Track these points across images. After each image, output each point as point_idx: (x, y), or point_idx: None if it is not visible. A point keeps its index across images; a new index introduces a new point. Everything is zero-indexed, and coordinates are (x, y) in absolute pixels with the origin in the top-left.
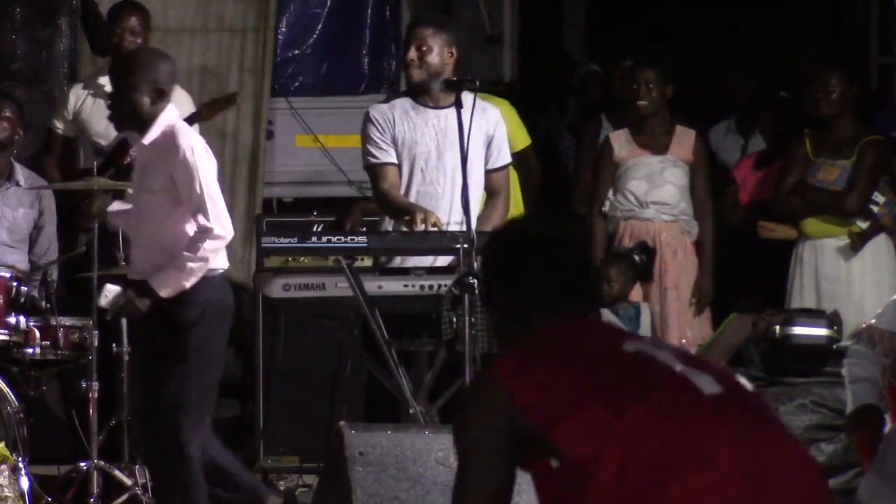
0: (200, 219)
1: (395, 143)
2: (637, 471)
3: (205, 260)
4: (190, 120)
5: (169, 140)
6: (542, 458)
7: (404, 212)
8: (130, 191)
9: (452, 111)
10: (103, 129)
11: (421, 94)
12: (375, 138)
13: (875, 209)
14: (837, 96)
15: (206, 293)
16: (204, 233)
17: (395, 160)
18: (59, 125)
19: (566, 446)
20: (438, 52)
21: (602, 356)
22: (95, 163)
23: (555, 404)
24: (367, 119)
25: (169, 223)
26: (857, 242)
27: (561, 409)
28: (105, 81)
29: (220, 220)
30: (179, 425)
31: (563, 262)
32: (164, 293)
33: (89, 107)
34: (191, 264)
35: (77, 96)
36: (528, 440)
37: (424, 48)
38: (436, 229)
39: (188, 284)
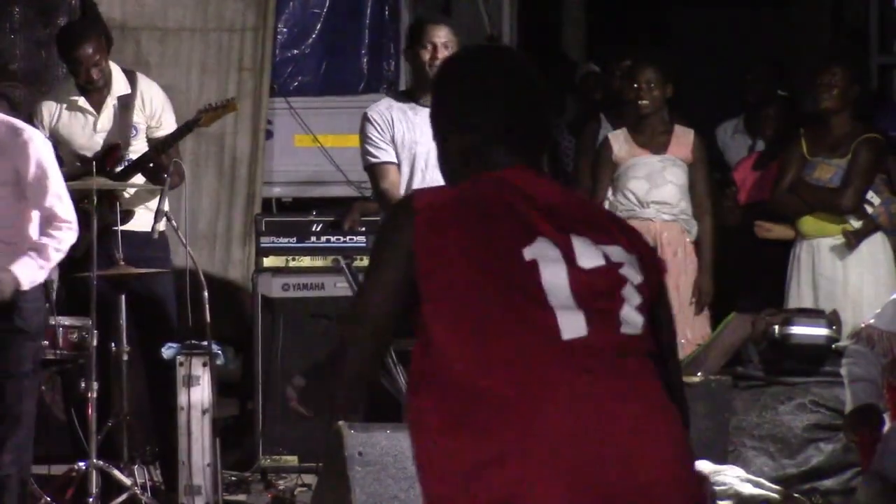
0: (59, 210)
1: (394, 143)
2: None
3: (64, 253)
4: (189, 126)
5: (10, 133)
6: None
7: None
8: (127, 193)
9: None
10: (86, 142)
11: (420, 95)
12: (374, 138)
13: (870, 210)
14: (839, 92)
15: (40, 297)
16: (62, 224)
17: (394, 159)
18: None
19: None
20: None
21: (503, 252)
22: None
23: (439, 272)
24: (366, 119)
25: (10, 215)
26: (852, 241)
27: (442, 283)
28: (77, 95)
29: (73, 214)
30: None
31: (524, 92)
32: (26, 285)
33: (66, 122)
34: (54, 256)
35: (50, 111)
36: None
37: (448, 46)
38: None
39: (42, 279)
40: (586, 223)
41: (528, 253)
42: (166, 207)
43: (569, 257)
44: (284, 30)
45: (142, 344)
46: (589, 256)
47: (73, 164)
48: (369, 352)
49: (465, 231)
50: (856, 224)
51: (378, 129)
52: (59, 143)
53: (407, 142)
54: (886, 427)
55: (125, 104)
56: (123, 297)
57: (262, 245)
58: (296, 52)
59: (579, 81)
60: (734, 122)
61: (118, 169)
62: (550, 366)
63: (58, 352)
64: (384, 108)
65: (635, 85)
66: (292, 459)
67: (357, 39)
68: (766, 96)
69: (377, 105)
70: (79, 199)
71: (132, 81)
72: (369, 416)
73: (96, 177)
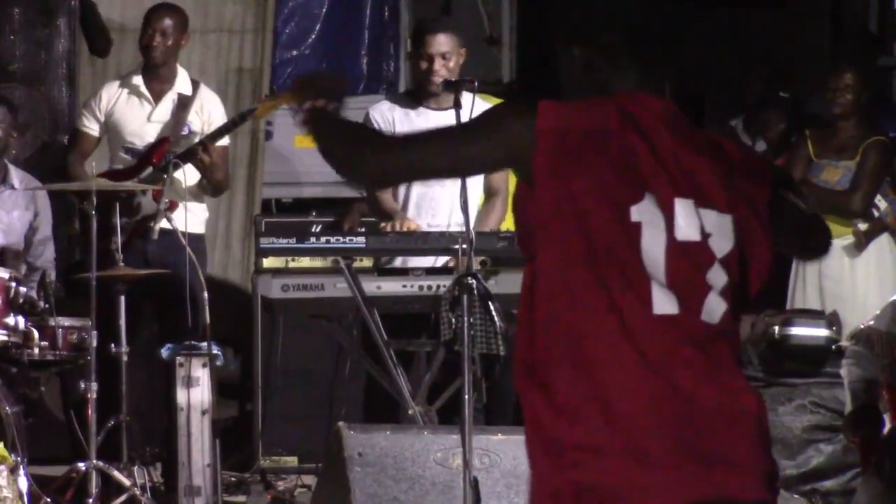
0: None
1: None
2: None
3: None
4: (243, 116)
5: None
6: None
7: (387, 215)
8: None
9: (453, 113)
10: (137, 129)
11: (422, 96)
12: None
13: (876, 214)
14: (852, 97)
15: None
16: None
17: None
18: (89, 125)
19: (533, 218)
20: (456, 60)
21: (614, 207)
22: (122, 164)
23: (556, 212)
24: (367, 119)
25: None
26: (862, 240)
27: (555, 227)
28: (140, 81)
29: None
30: None
31: (662, 21)
32: None
33: (123, 106)
34: None
35: (110, 95)
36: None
37: (447, 55)
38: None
39: None
40: (695, 176)
41: (636, 213)
42: (164, 207)
43: (669, 226)
44: (284, 31)
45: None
46: (687, 226)
47: (120, 156)
48: (382, 173)
49: (582, 173)
50: (863, 226)
51: (376, 127)
52: (110, 131)
53: None
54: (886, 428)
55: (183, 103)
56: (123, 297)
57: (262, 246)
58: (295, 53)
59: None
60: (734, 122)
61: (165, 161)
62: (638, 336)
63: (57, 352)
64: (386, 108)
65: None
66: (292, 460)
67: (357, 40)
68: (766, 97)
69: (379, 105)
70: (81, 199)
71: (195, 87)
72: (369, 416)
73: (96, 178)
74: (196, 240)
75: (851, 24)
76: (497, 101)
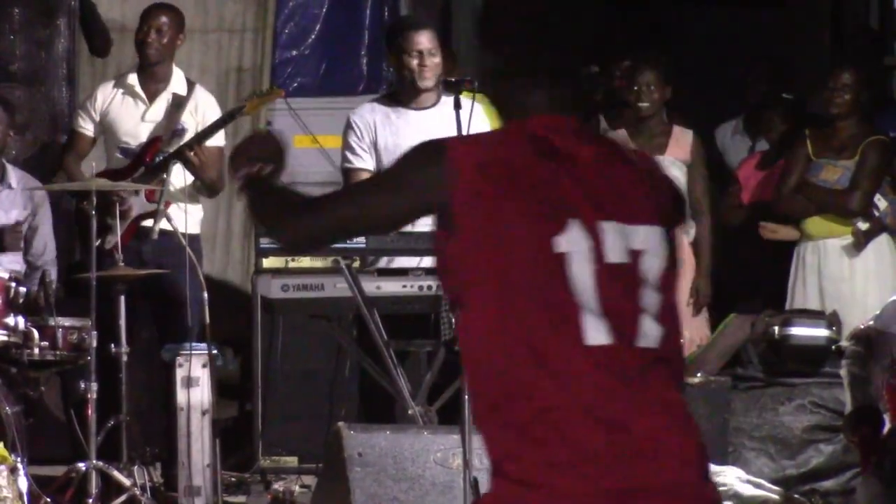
0: None
1: (375, 148)
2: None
3: None
4: (232, 114)
5: None
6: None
7: None
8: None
9: (435, 111)
10: (131, 129)
11: (403, 96)
12: (353, 143)
13: (876, 213)
14: (851, 97)
15: None
16: None
17: (369, 166)
18: (84, 125)
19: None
20: (440, 56)
21: (535, 240)
22: (92, 167)
23: (477, 251)
24: (348, 125)
25: None
26: (861, 240)
27: (478, 264)
28: (135, 80)
29: None
30: None
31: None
32: None
33: (118, 106)
34: None
35: (105, 95)
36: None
37: (433, 51)
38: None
39: None
40: (620, 192)
41: (561, 243)
42: (163, 207)
43: (597, 251)
44: (284, 31)
45: (163, 345)
46: (616, 249)
47: (115, 156)
48: (304, 238)
49: (498, 208)
50: (863, 226)
51: (357, 134)
52: (105, 131)
53: (390, 146)
54: (886, 428)
55: (178, 103)
56: (123, 297)
57: (262, 246)
58: (295, 52)
59: (581, 82)
60: (734, 122)
61: (157, 160)
62: (571, 369)
63: (57, 353)
64: (367, 111)
65: (635, 87)
66: (292, 460)
67: (356, 40)
68: (767, 97)
69: (361, 109)
70: (81, 199)
71: (190, 87)
72: (369, 417)
73: (96, 178)
74: (192, 240)
75: (853, 23)
76: (482, 97)
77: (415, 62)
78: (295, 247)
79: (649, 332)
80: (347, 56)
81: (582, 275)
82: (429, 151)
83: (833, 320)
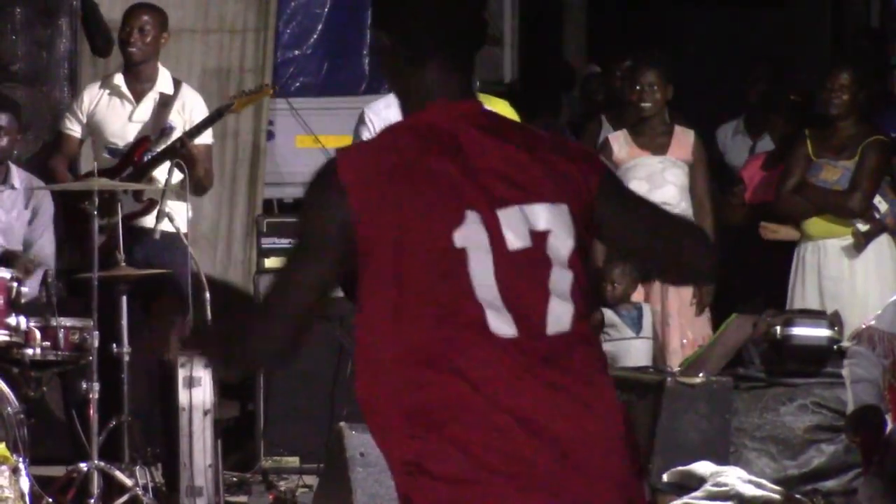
0: None
1: None
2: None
3: None
4: (220, 112)
5: None
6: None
7: None
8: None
9: None
10: (119, 129)
11: None
12: (364, 138)
13: (877, 215)
14: (849, 97)
15: None
16: None
17: None
18: (72, 127)
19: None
20: None
21: (434, 239)
22: (98, 165)
23: (372, 257)
24: (361, 119)
25: None
26: (861, 241)
27: (374, 269)
28: (121, 81)
29: None
30: None
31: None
32: None
33: (105, 107)
34: None
35: (91, 96)
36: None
37: None
38: None
39: None
40: (520, 174)
41: (458, 238)
42: (168, 208)
43: (497, 242)
44: (286, 31)
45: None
46: (516, 233)
47: (103, 157)
48: (281, 346)
49: (395, 212)
50: (863, 226)
51: (370, 130)
52: (93, 132)
53: None
54: (888, 428)
55: (165, 102)
56: (125, 297)
57: (264, 246)
58: (297, 52)
59: (581, 82)
60: (734, 123)
61: (146, 158)
62: (480, 367)
63: (59, 353)
64: (382, 107)
65: (637, 87)
66: (294, 460)
67: (358, 40)
68: (768, 96)
69: (376, 104)
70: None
71: (177, 86)
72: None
73: (98, 178)
74: (181, 239)
75: (853, 23)
76: (499, 101)
77: None
78: (267, 360)
79: (562, 315)
80: (349, 56)
81: (483, 269)
82: (322, 185)
83: (835, 320)
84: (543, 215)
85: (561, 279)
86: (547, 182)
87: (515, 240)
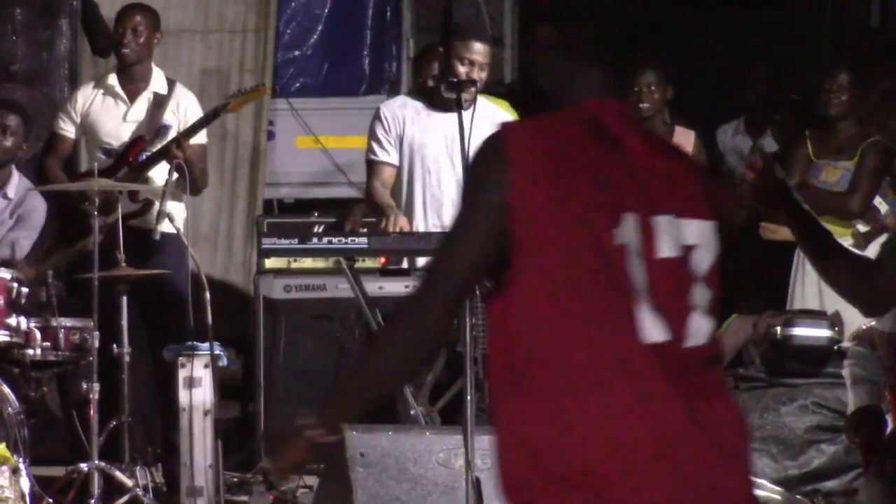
0: None
1: (402, 143)
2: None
3: None
4: (216, 111)
5: None
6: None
7: (380, 210)
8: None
9: (465, 115)
10: (113, 129)
11: (435, 97)
12: (380, 136)
13: (877, 216)
14: (847, 97)
15: None
16: None
17: (394, 161)
18: (65, 127)
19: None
20: (488, 71)
21: (595, 233)
22: (97, 165)
23: (533, 245)
24: (377, 116)
25: None
26: (862, 242)
27: (534, 261)
28: (115, 81)
29: None
30: None
31: (633, 19)
32: None
33: (98, 107)
34: None
35: (85, 97)
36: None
37: (482, 65)
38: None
39: None
40: (673, 184)
41: (618, 236)
42: (168, 209)
43: (649, 246)
44: (286, 31)
45: (152, 346)
46: (668, 243)
47: (97, 157)
48: (441, 319)
49: (555, 196)
50: (863, 228)
51: (385, 127)
52: (87, 132)
53: (416, 143)
54: (888, 429)
55: (159, 102)
56: (125, 298)
57: (264, 246)
58: (297, 53)
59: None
60: (734, 123)
61: (141, 159)
62: (627, 365)
63: (59, 353)
64: (398, 106)
65: (635, 88)
66: None
67: (359, 40)
68: (768, 97)
69: (392, 102)
70: (80, 200)
71: (171, 86)
72: (371, 417)
73: (98, 178)
74: (176, 240)
75: (853, 23)
76: (499, 101)
77: (463, 70)
78: (446, 322)
79: (699, 330)
80: (349, 56)
81: (638, 269)
82: (489, 156)
83: (835, 321)
84: (693, 229)
85: (701, 294)
86: (699, 196)
87: (666, 249)
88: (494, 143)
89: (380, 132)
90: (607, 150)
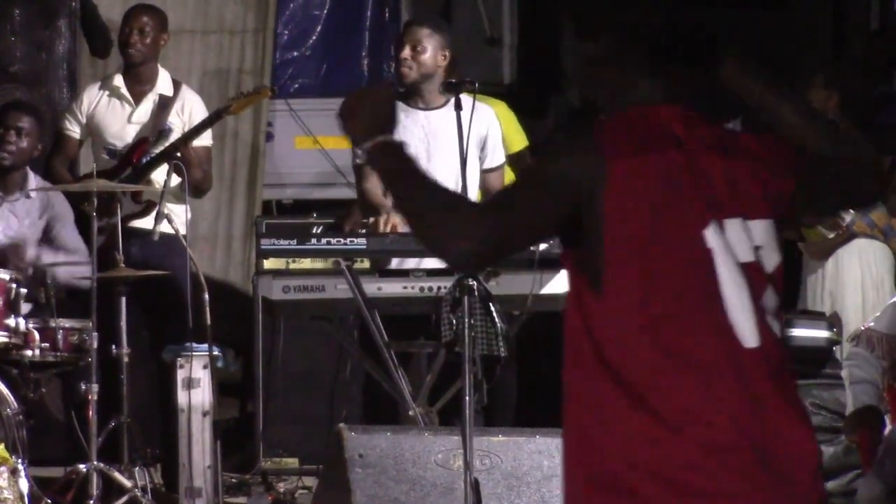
0: None
1: None
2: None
3: None
4: (218, 113)
5: None
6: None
7: (374, 210)
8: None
9: (442, 112)
10: (118, 131)
11: (411, 96)
12: None
13: (843, 223)
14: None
15: None
16: None
17: None
18: (71, 128)
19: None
20: (432, 54)
21: (688, 236)
22: (101, 166)
23: (628, 246)
24: None
25: None
26: (828, 248)
27: (628, 261)
28: (120, 82)
29: None
30: None
31: (684, 24)
32: None
33: (104, 108)
34: None
35: (91, 98)
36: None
37: (419, 48)
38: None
39: None
40: (738, 186)
41: (708, 239)
42: (168, 210)
43: (731, 250)
44: (285, 32)
45: (152, 347)
46: (742, 246)
47: (101, 157)
48: (477, 251)
49: (654, 201)
50: (829, 233)
51: None
52: (92, 133)
53: None
54: (887, 429)
55: (164, 104)
56: (124, 299)
57: (263, 247)
58: (296, 53)
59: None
60: (733, 123)
61: (144, 160)
62: (727, 371)
63: (58, 354)
64: None
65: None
66: (293, 462)
67: (357, 41)
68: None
69: None
70: (81, 200)
71: (177, 88)
72: (369, 418)
73: (97, 179)
74: (175, 241)
75: (853, 23)
76: (498, 101)
77: (403, 53)
78: (466, 257)
79: (776, 334)
80: (348, 57)
81: (726, 272)
82: (581, 142)
83: (834, 321)
84: (759, 230)
85: (771, 297)
86: (760, 195)
87: (742, 252)
88: (588, 130)
89: None
90: (680, 153)
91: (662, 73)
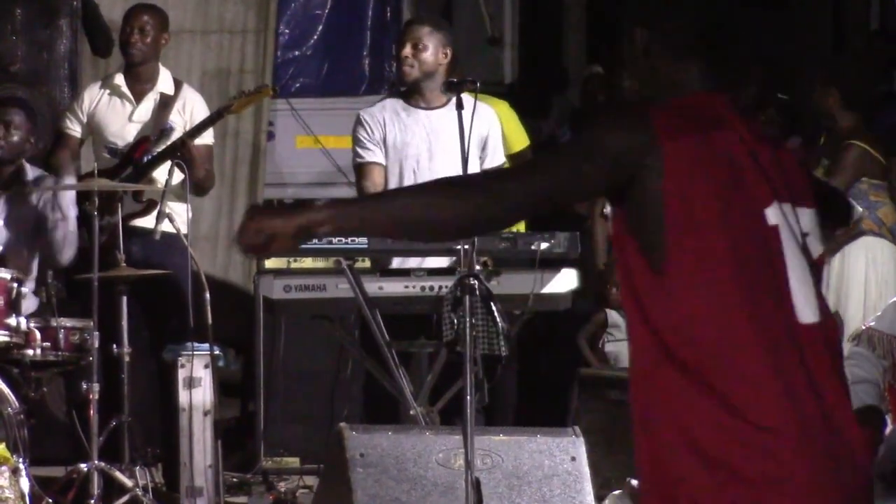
0: None
1: (384, 144)
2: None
3: None
4: (220, 112)
5: None
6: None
7: None
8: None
9: (444, 112)
10: (118, 129)
11: (412, 95)
12: (362, 139)
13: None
14: (834, 114)
15: None
16: None
17: (380, 160)
18: (72, 126)
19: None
20: (433, 52)
21: (751, 215)
22: (102, 165)
23: (690, 228)
24: (358, 121)
25: None
26: (835, 245)
27: (691, 241)
28: (121, 81)
29: None
30: None
31: (734, 16)
32: None
33: (105, 107)
34: None
35: (92, 96)
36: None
37: (420, 46)
38: None
39: None
40: (784, 173)
41: (771, 216)
42: (169, 209)
43: (791, 229)
44: (286, 31)
45: (153, 346)
46: (794, 230)
47: (102, 156)
48: (497, 216)
49: (718, 183)
50: (838, 231)
51: (367, 129)
52: (93, 132)
53: (398, 143)
54: (888, 429)
55: (165, 102)
56: (125, 298)
57: None
58: (297, 53)
59: (582, 83)
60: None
61: (146, 159)
62: (795, 348)
63: (59, 353)
64: (377, 109)
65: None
66: (294, 461)
67: (358, 41)
68: (762, 98)
69: (371, 108)
70: (81, 199)
71: (178, 87)
72: (370, 417)
73: (98, 178)
74: (177, 240)
75: (853, 23)
76: (499, 101)
77: (403, 51)
78: (474, 227)
79: (827, 316)
80: (349, 56)
81: (789, 250)
82: (631, 121)
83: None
84: (806, 218)
85: (819, 281)
86: (806, 185)
87: (795, 235)
88: (642, 109)
89: (363, 136)
90: (734, 137)
91: (713, 63)
